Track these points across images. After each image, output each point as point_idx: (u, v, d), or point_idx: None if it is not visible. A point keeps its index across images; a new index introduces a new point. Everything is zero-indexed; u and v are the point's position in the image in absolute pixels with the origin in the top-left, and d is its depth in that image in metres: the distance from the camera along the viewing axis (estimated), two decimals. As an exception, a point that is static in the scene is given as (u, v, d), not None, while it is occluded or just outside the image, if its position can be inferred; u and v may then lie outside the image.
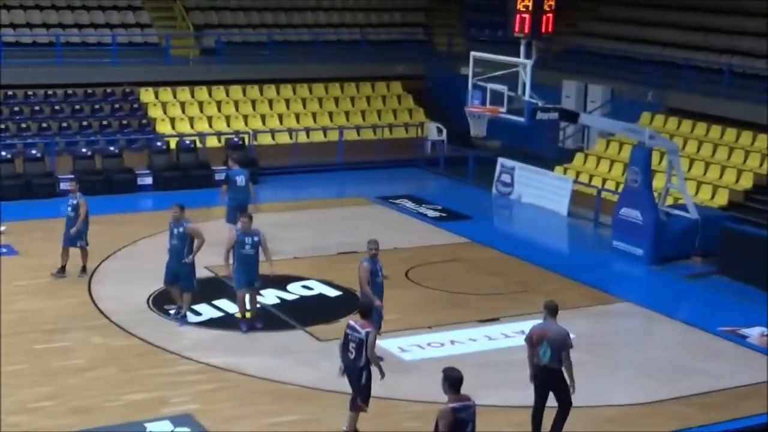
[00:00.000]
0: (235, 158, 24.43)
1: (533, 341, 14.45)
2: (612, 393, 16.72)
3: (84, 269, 21.40)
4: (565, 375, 14.37)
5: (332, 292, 21.12)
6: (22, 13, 33.71)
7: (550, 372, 14.36)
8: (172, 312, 19.26)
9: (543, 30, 22.95)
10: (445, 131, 34.48)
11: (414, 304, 20.54)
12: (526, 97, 22.55)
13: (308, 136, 33.43)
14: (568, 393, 14.43)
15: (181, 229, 18.68)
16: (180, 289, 18.88)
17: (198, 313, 19.37)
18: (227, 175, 23.58)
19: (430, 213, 27.76)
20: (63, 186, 28.01)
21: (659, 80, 31.11)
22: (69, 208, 21.52)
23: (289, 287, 21.17)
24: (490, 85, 23.26)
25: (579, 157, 30.94)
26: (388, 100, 36.09)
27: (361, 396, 14.51)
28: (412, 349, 18.16)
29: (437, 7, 40.41)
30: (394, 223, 26.77)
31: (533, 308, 20.24)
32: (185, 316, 18.97)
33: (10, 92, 31.38)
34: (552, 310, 14.53)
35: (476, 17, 39.66)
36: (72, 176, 25.20)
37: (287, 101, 34.57)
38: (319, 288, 21.30)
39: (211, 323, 19.03)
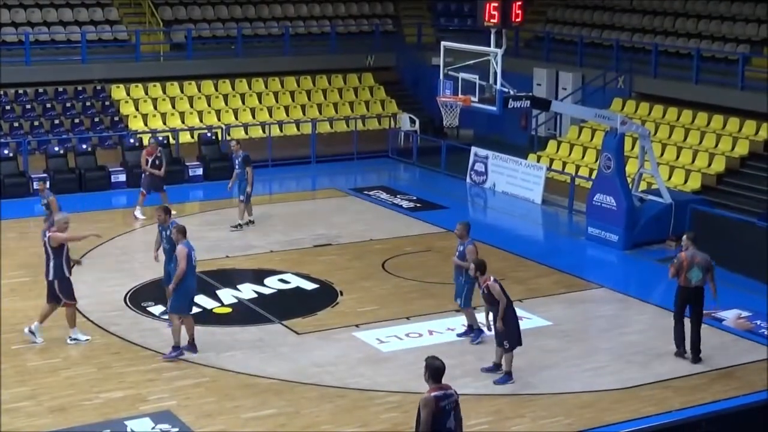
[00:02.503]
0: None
1: (684, 266, 17.18)
2: (588, 379, 16.81)
3: None
4: (712, 290, 17.35)
5: (309, 285, 21.12)
6: (-9, 12, 33.54)
7: (697, 290, 17.30)
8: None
9: (513, 19, 22.93)
10: (417, 122, 34.51)
11: (391, 295, 20.58)
12: (498, 86, 22.55)
13: (281, 130, 33.40)
14: (702, 310, 17.46)
15: (168, 232, 18.52)
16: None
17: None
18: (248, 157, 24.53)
19: (405, 203, 27.79)
20: (36, 185, 27.91)
21: (629, 66, 31.24)
22: (44, 207, 21.55)
23: (266, 281, 21.17)
24: (461, 75, 23.25)
25: (552, 145, 31.06)
26: (360, 92, 36.09)
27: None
28: (390, 340, 18.19)
29: (406, -4, 40.42)
30: (369, 215, 26.80)
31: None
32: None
33: (-21, 92, 31.24)
34: (694, 240, 17.46)
35: (445, 7, 39.70)
36: (44, 175, 25.10)
37: (259, 95, 34.52)
38: (295, 281, 21.31)
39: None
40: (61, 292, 17.67)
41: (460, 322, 18.65)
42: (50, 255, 17.64)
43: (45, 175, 26.89)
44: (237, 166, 24.86)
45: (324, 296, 20.52)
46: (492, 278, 16.41)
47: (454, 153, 31.57)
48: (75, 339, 17.88)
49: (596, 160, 26.96)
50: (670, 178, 26.70)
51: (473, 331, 18.15)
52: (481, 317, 17.57)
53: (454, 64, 23.42)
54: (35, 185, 27.49)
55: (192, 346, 17.39)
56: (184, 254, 17.02)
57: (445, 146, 31.88)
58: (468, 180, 30.38)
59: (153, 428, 14.77)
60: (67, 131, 30.97)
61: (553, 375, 16.85)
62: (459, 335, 18.35)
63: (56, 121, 31.18)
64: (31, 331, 17.83)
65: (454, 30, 37.15)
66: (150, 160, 25.49)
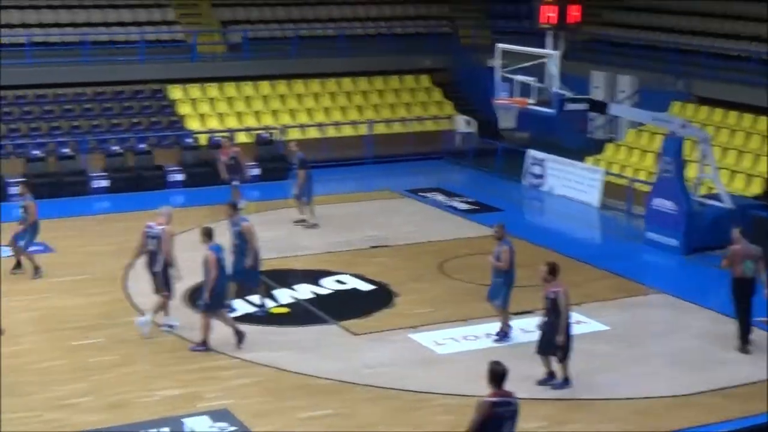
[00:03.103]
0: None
1: (738, 258, 17.69)
2: (645, 384, 16.62)
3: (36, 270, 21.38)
4: (764, 280, 17.70)
5: (366, 287, 21.13)
6: (51, 12, 33.89)
7: (750, 282, 17.75)
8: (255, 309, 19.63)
9: (570, 20, 22.85)
10: (474, 123, 34.42)
11: (448, 298, 20.53)
12: (555, 89, 22.44)
13: (337, 131, 33.46)
14: (750, 300, 17.85)
15: (237, 228, 18.86)
16: (247, 285, 19.24)
17: (232, 309, 19.42)
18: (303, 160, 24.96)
19: (461, 205, 27.73)
20: (95, 184, 28.23)
21: (686, 69, 30.94)
22: (20, 210, 21.27)
23: (322, 282, 21.21)
24: (517, 77, 23.18)
25: (609, 148, 30.82)
26: (417, 94, 36.06)
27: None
28: (446, 343, 18.14)
29: (461, -2, 40.35)
30: (425, 216, 26.77)
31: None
32: (262, 306, 19.53)
33: (40, 92, 31.58)
34: (745, 233, 17.98)
35: (501, 9, 39.56)
36: (23, 179, 24.57)
37: (316, 96, 34.60)
38: (352, 282, 21.32)
39: (245, 318, 19.07)
40: (164, 283, 18.17)
41: (517, 325, 18.55)
42: (158, 248, 18.14)
43: (25, 178, 25.51)
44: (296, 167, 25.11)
45: (380, 297, 20.51)
46: (563, 287, 15.95)
47: (510, 155, 31.45)
48: (169, 325, 18.36)
49: (654, 164, 26.73)
50: (730, 182, 26.38)
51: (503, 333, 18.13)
52: (524, 322, 17.46)
53: (511, 66, 23.35)
54: (94, 184, 27.93)
55: (238, 335, 17.64)
56: (213, 261, 17.08)
57: (501, 148, 31.77)
58: (524, 182, 30.26)
59: (210, 426, 14.84)
60: (126, 131, 31.25)
61: (608, 380, 16.71)
62: (495, 340, 18.20)
63: (115, 121, 31.47)
64: (169, 326, 18.39)
65: (510, 32, 36.98)
66: (225, 161, 26.00)
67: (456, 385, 16.27)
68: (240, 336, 17.62)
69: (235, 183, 26.01)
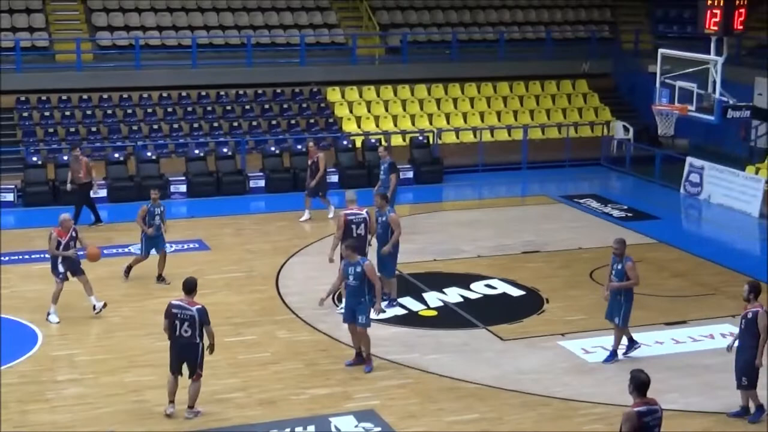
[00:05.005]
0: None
1: None
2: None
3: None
4: None
5: (515, 292, 21.03)
6: (215, 15, 34.72)
7: None
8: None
9: (734, 26, 22.31)
10: (631, 130, 33.90)
11: (598, 305, 20.17)
12: (717, 95, 21.94)
13: (492, 135, 33.38)
14: None
15: (384, 218, 19.28)
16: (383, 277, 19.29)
17: (382, 311, 19.52)
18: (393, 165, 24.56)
19: (616, 213, 27.34)
20: (252, 184, 28.77)
21: None
22: (157, 218, 20.89)
23: (473, 286, 21.17)
24: (678, 83, 22.76)
25: (772, 157, 30.02)
26: (574, 99, 35.72)
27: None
28: (596, 351, 17.91)
29: (624, 3, 39.80)
30: (579, 223, 26.49)
31: (722, 311, 19.80)
32: (394, 300, 19.71)
33: (203, 92, 32.37)
34: None
35: (664, 13, 38.88)
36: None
37: (471, 100, 34.58)
38: (502, 287, 21.25)
39: (394, 320, 19.19)
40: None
41: (670, 336, 18.23)
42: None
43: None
44: (382, 173, 24.39)
45: (530, 303, 20.38)
46: (763, 307, 15.20)
47: (669, 163, 30.89)
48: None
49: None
50: None
51: (630, 345, 17.58)
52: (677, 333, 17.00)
53: (672, 72, 22.94)
54: (252, 183, 28.44)
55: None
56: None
57: (659, 155, 31.22)
58: (682, 191, 29.67)
59: (356, 426, 14.97)
60: (284, 132, 31.78)
61: (765, 393, 16.22)
62: (624, 353, 17.60)
63: (273, 122, 32.04)
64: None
65: (673, 37, 36.28)
66: (309, 164, 25.86)
67: (605, 393, 16.06)
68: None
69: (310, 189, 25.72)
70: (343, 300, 17.17)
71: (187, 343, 14.85)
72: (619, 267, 17.09)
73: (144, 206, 21.02)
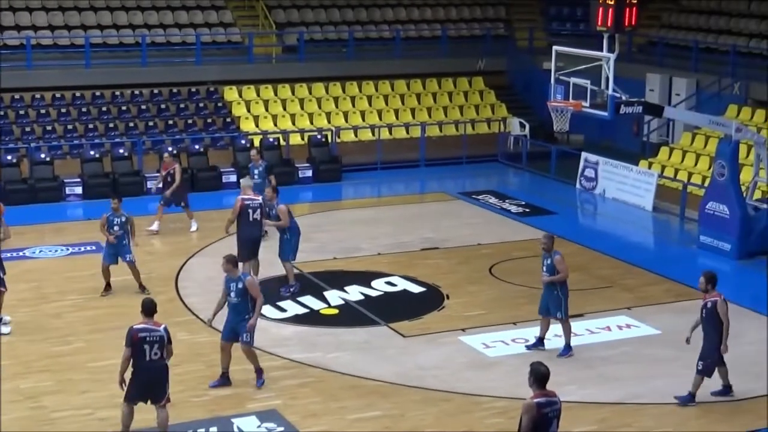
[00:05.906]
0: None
1: None
2: (699, 389, 16.46)
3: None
4: None
5: (416, 289, 21.15)
6: (109, 14, 34.24)
7: None
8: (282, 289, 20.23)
9: (626, 23, 22.68)
10: (527, 126, 34.31)
11: (497, 300, 20.49)
12: (610, 91, 22.30)
13: (390, 133, 33.52)
14: None
15: (274, 211, 20.18)
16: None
17: (283, 309, 19.53)
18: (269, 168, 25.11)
19: (514, 208, 27.65)
20: (149, 185, 28.45)
21: (744, 72, 30.62)
22: (116, 227, 20.44)
23: (373, 283, 21.24)
24: (572, 80, 23.06)
25: (664, 151, 30.60)
26: (471, 96, 36.02)
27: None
28: (496, 345, 18.11)
29: (518, 1, 40.17)
30: (477, 219, 26.73)
31: (617, 303, 20.21)
32: (292, 286, 20.25)
33: (97, 93, 31.93)
34: None
35: (557, 11, 39.41)
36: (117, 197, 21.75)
37: (369, 98, 34.67)
38: (402, 284, 21.35)
39: (295, 320, 19.16)
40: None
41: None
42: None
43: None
44: (257, 176, 23.95)
45: (430, 300, 20.52)
46: (722, 296, 15.70)
47: (564, 158, 31.33)
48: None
49: (709, 168, 26.50)
50: (786, 186, 26.09)
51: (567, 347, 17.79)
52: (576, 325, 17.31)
53: (566, 69, 23.24)
54: (149, 184, 28.15)
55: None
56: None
57: (555, 151, 31.65)
58: (578, 186, 30.12)
59: (259, 426, 14.93)
60: (181, 131, 31.50)
61: (662, 384, 16.58)
62: (527, 347, 17.95)
63: (170, 122, 31.74)
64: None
65: (566, 34, 36.80)
66: (163, 175, 25.03)
67: (506, 387, 16.25)
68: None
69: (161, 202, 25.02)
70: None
71: (159, 366, 14.02)
72: (549, 262, 17.44)
73: (104, 215, 20.61)
